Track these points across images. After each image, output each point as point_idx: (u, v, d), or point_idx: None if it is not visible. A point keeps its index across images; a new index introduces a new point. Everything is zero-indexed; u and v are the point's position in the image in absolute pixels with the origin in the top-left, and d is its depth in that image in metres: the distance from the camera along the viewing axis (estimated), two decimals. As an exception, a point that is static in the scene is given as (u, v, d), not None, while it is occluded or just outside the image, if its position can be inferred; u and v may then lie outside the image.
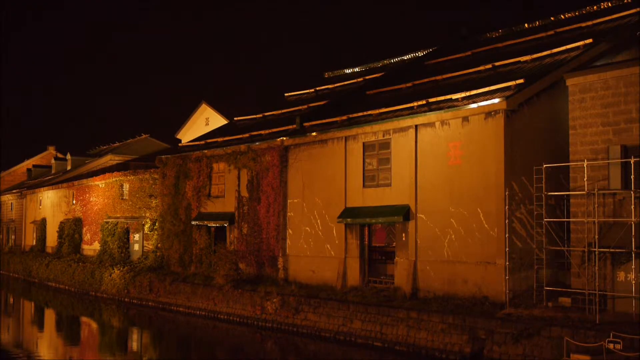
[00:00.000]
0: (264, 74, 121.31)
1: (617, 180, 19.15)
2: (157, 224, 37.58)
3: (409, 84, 29.60)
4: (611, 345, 15.98)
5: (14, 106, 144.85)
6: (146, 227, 39.02)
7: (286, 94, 41.16)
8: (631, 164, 18.53)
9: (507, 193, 21.10)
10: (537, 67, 24.48)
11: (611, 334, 16.24)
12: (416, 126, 24.19)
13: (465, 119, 22.59)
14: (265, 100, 43.15)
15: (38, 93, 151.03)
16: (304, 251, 28.59)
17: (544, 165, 20.50)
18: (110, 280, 37.35)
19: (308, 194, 28.57)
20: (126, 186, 42.25)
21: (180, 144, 41.32)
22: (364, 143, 26.36)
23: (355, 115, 27.66)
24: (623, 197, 19.16)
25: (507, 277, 20.62)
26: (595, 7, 29.16)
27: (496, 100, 21.57)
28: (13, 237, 64.22)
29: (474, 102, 22.54)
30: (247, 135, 32.90)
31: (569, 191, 20.62)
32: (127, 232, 41.11)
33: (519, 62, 26.07)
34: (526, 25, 31.78)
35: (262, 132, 32.16)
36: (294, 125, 30.22)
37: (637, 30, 22.66)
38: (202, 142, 36.42)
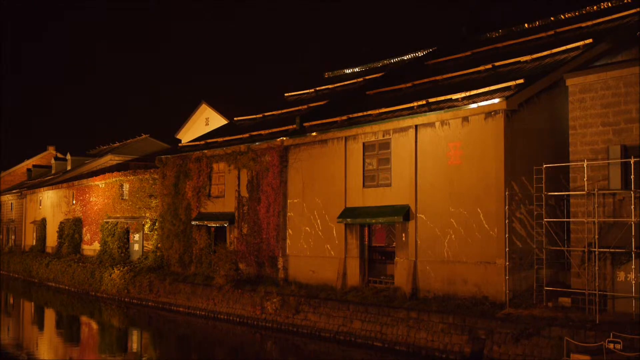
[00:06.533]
0: (264, 74, 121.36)
1: (617, 180, 19.14)
2: (157, 224, 37.59)
3: (409, 84, 29.60)
4: (611, 345, 15.98)
5: (14, 106, 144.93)
6: (146, 227, 39.03)
7: (286, 94, 41.18)
8: (631, 164, 18.53)
9: (507, 193, 21.10)
10: (537, 67, 24.49)
11: (611, 334, 16.24)
12: (416, 126, 24.19)
13: (465, 119, 22.59)
14: (265, 100, 43.15)
15: (38, 93, 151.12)
16: (303, 251, 28.59)
17: (544, 165, 20.50)
18: (110, 280, 37.36)
19: (308, 194, 28.57)
20: (126, 186, 42.26)
21: (180, 144, 41.31)
22: (364, 143, 26.36)
23: (355, 115, 27.66)
24: (623, 197, 19.16)
25: (507, 277, 20.61)
26: (595, 7, 29.17)
27: (496, 100, 21.58)
28: (13, 237, 64.23)
29: (474, 102, 22.55)
30: (247, 135, 32.90)
31: (569, 191, 20.62)
32: (127, 232, 41.11)
33: (519, 62, 26.08)
34: (526, 25, 31.79)
35: (262, 132, 32.16)
36: (294, 125, 30.21)
37: (637, 30, 22.64)
38: (202, 142, 36.42)
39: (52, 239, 52.60)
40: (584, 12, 29.57)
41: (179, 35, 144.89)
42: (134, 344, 27.60)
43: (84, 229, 47.20)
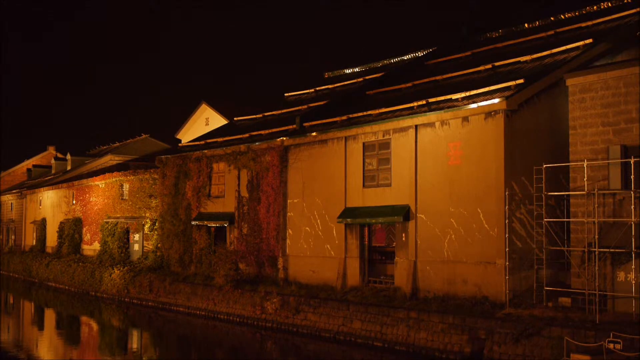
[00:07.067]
0: (264, 74, 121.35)
1: (617, 180, 19.14)
2: (157, 224, 37.58)
3: (409, 84, 29.59)
4: (611, 345, 15.98)
5: (14, 106, 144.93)
6: (146, 227, 39.02)
7: (286, 94, 41.17)
8: (631, 164, 18.53)
9: (507, 193, 21.10)
10: (537, 67, 24.48)
11: (611, 334, 16.24)
12: (416, 126, 24.19)
13: (465, 119, 22.59)
14: (265, 100, 43.17)
15: (38, 93, 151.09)
16: (304, 251, 28.59)
17: (544, 165, 20.50)
18: (110, 280, 37.36)
19: (308, 194, 28.57)
20: (126, 186, 42.25)
21: (180, 144, 41.31)
22: (364, 143, 26.35)
23: (355, 115, 27.66)
24: (623, 197, 19.16)
25: (507, 277, 20.62)
26: (595, 7, 29.16)
27: (496, 100, 21.57)
28: (13, 237, 64.22)
29: (474, 102, 22.54)
30: (247, 135, 32.90)
31: (569, 191, 20.62)
32: (127, 232, 41.10)
33: (519, 62, 26.08)
34: (526, 25, 31.78)
35: (262, 132, 32.16)
36: (294, 125, 30.22)
37: (637, 30, 22.66)
38: (202, 142, 36.42)
39: (52, 239, 52.59)
40: (584, 12, 29.56)
41: (179, 35, 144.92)
42: (134, 344, 27.59)
43: (84, 229, 47.20)
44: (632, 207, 18.37)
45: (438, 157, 23.42)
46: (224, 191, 32.93)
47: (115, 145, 63.35)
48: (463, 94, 23.83)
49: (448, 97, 24.29)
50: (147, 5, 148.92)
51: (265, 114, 37.43)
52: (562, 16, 30.41)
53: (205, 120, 49.35)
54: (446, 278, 22.87)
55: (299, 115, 30.91)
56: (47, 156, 73.68)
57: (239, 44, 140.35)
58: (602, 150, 19.82)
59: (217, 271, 30.48)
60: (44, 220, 55.16)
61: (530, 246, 21.35)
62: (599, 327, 17.06)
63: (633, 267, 18.16)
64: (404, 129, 24.66)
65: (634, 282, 18.25)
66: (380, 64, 38.48)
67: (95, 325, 31.63)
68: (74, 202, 49.29)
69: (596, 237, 18.92)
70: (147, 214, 39.39)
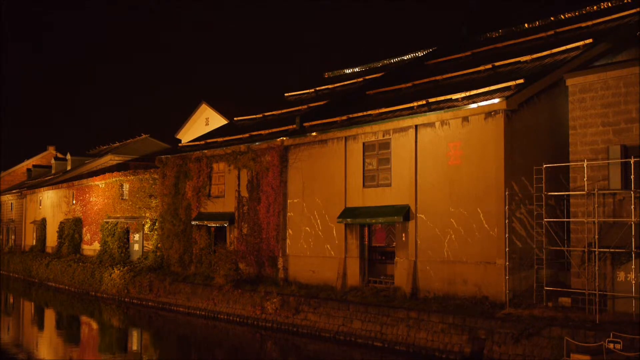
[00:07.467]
0: (264, 74, 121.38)
1: (617, 180, 19.15)
2: (157, 224, 37.58)
3: (409, 84, 29.60)
4: (611, 345, 15.98)
5: (14, 106, 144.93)
6: (146, 227, 39.02)
7: (286, 94, 41.17)
8: (631, 164, 18.53)
9: (507, 193, 21.10)
10: (537, 67, 24.48)
11: (611, 334, 16.25)
12: (416, 126, 24.19)
13: (465, 119, 22.59)
14: (265, 100, 43.15)
15: (38, 93, 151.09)
16: (304, 251, 28.59)
17: (544, 165, 20.50)
18: (110, 280, 37.35)
19: (308, 194, 28.57)
20: (126, 186, 42.25)
21: (180, 144, 41.32)
22: (364, 143, 26.35)
23: (355, 115, 27.66)
24: (623, 197, 19.16)
25: (507, 277, 20.61)
26: (595, 7, 29.17)
27: (496, 100, 21.57)
28: (13, 237, 64.21)
29: (474, 102, 22.54)
30: (247, 135, 32.90)
31: (569, 191, 20.62)
32: (127, 232, 41.10)
33: (519, 62, 26.08)
34: (526, 25, 31.79)
35: (262, 132, 32.16)
36: (294, 125, 30.21)
37: (637, 30, 22.67)
38: (202, 142, 36.42)
39: (52, 239, 52.58)
40: (584, 12, 29.56)
41: (179, 35, 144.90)
42: (134, 344, 27.60)
43: (84, 229, 47.19)
44: (632, 207, 18.37)
45: (438, 157, 23.42)
46: (224, 191, 32.93)
47: (115, 145, 63.34)
48: (463, 94, 23.83)
49: (448, 97, 24.29)
50: (147, 5, 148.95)
51: (265, 114, 37.44)
52: (562, 16, 30.42)
53: (205, 120, 49.35)
54: (446, 278, 22.87)
55: (299, 115, 30.91)
56: (47, 156, 73.68)
57: (239, 44, 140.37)
58: (602, 150, 19.82)
59: (217, 271, 30.48)
60: (44, 220, 55.16)
61: (530, 246, 21.34)
62: (599, 327, 17.06)
63: (633, 267, 18.16)
64: (404, 129, 24.66)
65: (634, 282, 18.25)
66: (380, 64, 38.48)
67: (95, 325, 31.63)
68: (74, 202, 49.29)
69: (596, 237, 18.92)
70: (147, 214, 39.39)
